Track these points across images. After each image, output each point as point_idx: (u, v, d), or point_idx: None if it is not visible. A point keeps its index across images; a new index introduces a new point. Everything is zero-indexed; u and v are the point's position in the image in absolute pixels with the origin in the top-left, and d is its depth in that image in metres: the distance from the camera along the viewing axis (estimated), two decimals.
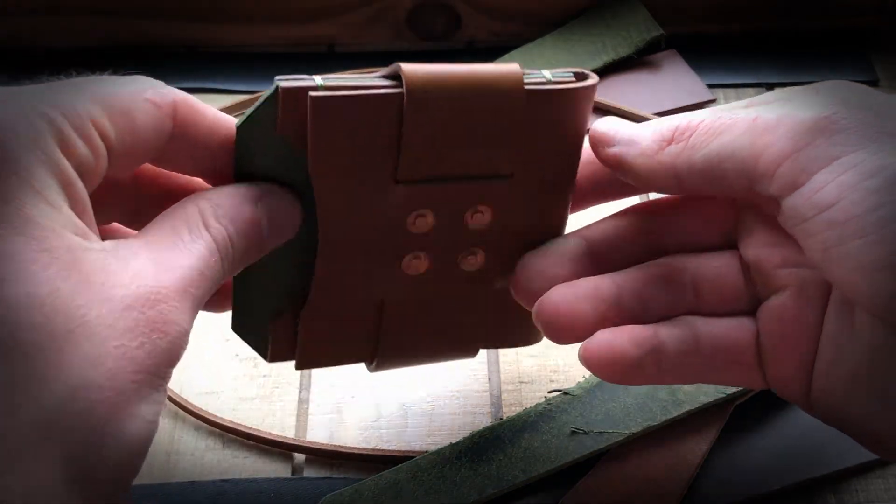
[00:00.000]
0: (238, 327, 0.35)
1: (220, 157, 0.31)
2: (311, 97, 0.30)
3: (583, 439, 0.39)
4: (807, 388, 0.32)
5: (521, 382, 0.43)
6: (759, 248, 0.34)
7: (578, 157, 0.35)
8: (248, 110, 0.31)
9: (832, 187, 0.27)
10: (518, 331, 0.39)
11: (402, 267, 0.35)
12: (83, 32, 0.58)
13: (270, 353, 0.36)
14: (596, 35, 0.58)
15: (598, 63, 0.56)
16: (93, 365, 0.24)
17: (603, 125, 0.34)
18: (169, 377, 0.27)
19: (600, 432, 0.39)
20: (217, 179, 0.32)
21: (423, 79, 0.31)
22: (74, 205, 0.26)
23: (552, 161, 0.34)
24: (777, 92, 0.33)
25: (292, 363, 0.36)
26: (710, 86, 0.56)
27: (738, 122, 0.30)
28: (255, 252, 0.31)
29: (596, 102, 0.55)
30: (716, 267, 0.35)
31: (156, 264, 0.27)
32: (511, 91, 0.32)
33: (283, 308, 0.35)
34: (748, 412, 0.40)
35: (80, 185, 0.27)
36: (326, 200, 0.32)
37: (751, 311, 0.34)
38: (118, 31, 0.58)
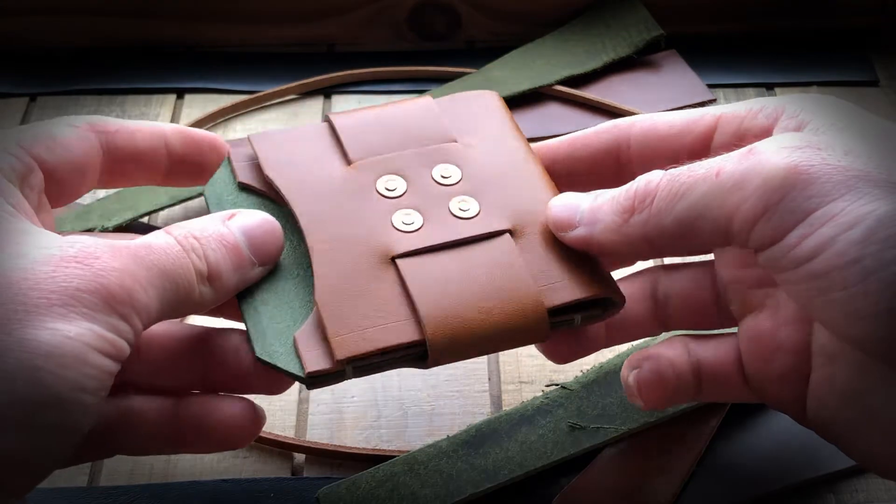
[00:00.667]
0: (264, 353, 0.32)
1: (162, 156, 0.36)
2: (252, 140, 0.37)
3: (580, 434, 0.39)
4: (799, 403, 0.32)
5: (521, 382, 0.43)
6: (733, 268, 0.34)
7: None
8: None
9: (811, 241, 0.27)
10: (572, 277, 0.34)
11: (395, 224, 0.35)
12: (83, 32, 0.58)
13: (306, 361, 0.32)
14: (596, 35, 0.58)
15: (598, 63, 0.56)
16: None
17: (557, 210, 0.34)
18: (108, 313, 0.28)
19: (597, 428, 0.39)
20: (171, 179, 0.37)
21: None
22: (6, 196, 0.30)
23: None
24: (740, 110, 0.33)
25: None
26: (710, 86, 0.56)
27: (699, 179, 0.30)
28: (245, 267, 0.33)
29: (596, 102, 0.55)
30: (688, 282, 0.36)
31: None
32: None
33: (301, 314, 0.33)
34: (747, 411, 0.40)
35: (5, 183, 0.31)
36: (298, 201, 0.35)
37: (723, 325, 0.35)
38: (118, 31, 0.58)
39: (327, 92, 0.57)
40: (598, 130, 0.36)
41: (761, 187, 0.28)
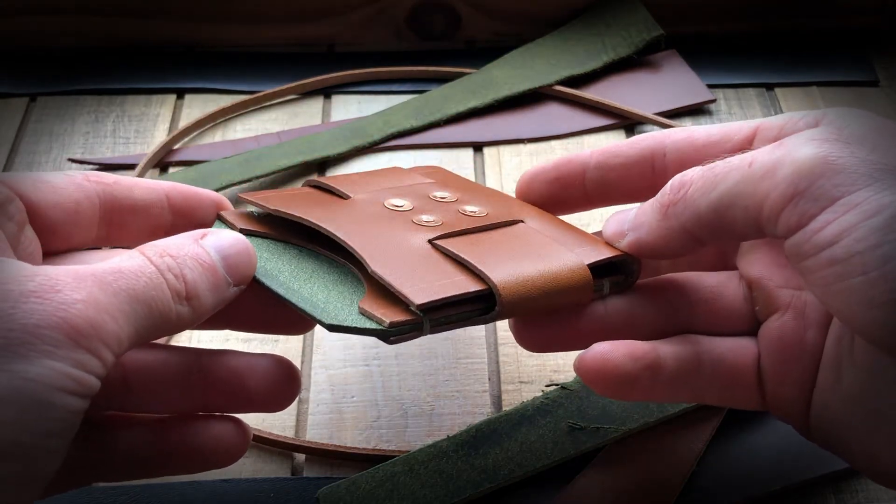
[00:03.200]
0: (335, 320, 0.32)
1: (163, 210, 0.36)
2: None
3: (579, 435, 0.39)
4: (805, 411, 0.33)
5: (521, 382, 0.43)
6: (761, 267, 0.35)
7: None
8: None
9: (834, 227, 0.28)
10: (590, 246, 0.35)
11: (416, 221, 0.36)
12: (83, 32, 0.58)
13: (382, 316, 0.32)
14: (596, 35, 0.58)
15: (598, 63, 0.56)
16: None
17: (609, 226, 0.35)
18: (72, 349, 0.27)
19: (597, 428, 0.39)
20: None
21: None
22: None
23: None
24: (779, 120, 0.33)
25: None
26: (710, 86, 0.56)
27: (734, 169, 0.30)
28: (221, 287, 0.32)
29: (596, 102, 0.55)
30: (712, 285, 0.36)
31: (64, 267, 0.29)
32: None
33: (354, 293, 0.34)
34: (747, 411, 0.40)
35: None
36: (315, 218, 0.36)
37: (747, 331, 0.35)
38: (118, 31, 0.58)
39: (327, 92, 0.57)
40: (633, 141, 0.37)
41: (791, 175, 0.29)
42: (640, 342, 0.33)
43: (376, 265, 0.33)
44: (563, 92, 0.55)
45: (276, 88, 0.56)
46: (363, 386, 0.43)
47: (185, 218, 0.36)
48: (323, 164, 0.52)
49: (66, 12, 0.57)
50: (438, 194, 0.38)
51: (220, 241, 0.33)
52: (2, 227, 0.31)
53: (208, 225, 0.36)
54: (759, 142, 0.34)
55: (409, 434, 0.41)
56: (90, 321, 0.27)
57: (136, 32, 0.58)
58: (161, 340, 0.39)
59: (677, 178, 0.32)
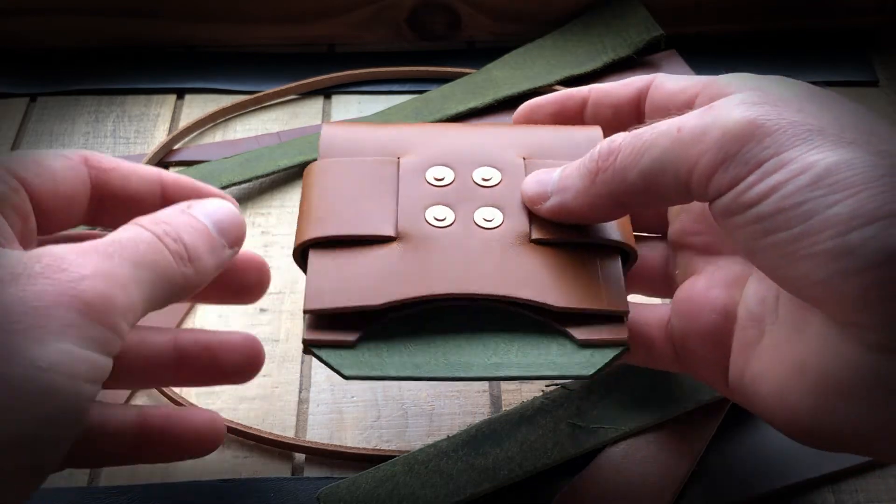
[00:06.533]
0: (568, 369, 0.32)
1: (154, 204, 0.34)
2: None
3: (579, 435, 0.39)
4: (722, 370, 0.33)
5: (522, 382, 0.43)
6: (683, 235, 0.37)
7: None
8: None
9: (762, 186, 0.28)
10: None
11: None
12: (83, 32, 0.58)
13: (615, 336, 0.32)
14: (596, 35, 0.58)
15: (598, 63, 0.56)
16: None
17: (529, 186, 0.35)
18: (87, 327, 0.27)
19: (597, 428, 0.39)
20: None
21: None
22: None
23: None
24: (725, 79, 0.34)
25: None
26: None
27: (662, 135, 0.31)
28: (217, 249, 0.33)
29: None
30: (642, 252, 0.37)
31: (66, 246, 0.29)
32: None
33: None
34: (748, 411, 0.40)
35: None
36: None
37: (669, 295, 0.37)
38: (118, 31, 0.58)
39: (327, 92, 0.57)
40: (627, 82, 0.38)
41: (720, 139, 0.29)
42: None
43: (551, 298, 0.33)
44: None
45: (276, 88, 0.56)
46: (363, 386, 0.43)
47: None
48: None
49: (67, 12, 0.57)
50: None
51: (206, 207, 0.33)
52: (9, 220, 0.30)
53: None
54: (701, 99, 0.35)
55: (409, 434, 0.41)
56: (101, 294, 0.27)
57: (136, 32, 0.58)
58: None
59: (605, 143, 0.33)
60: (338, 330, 0.32)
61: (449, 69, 0.57)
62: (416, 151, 0.37)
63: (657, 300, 0.42)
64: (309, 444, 0.40)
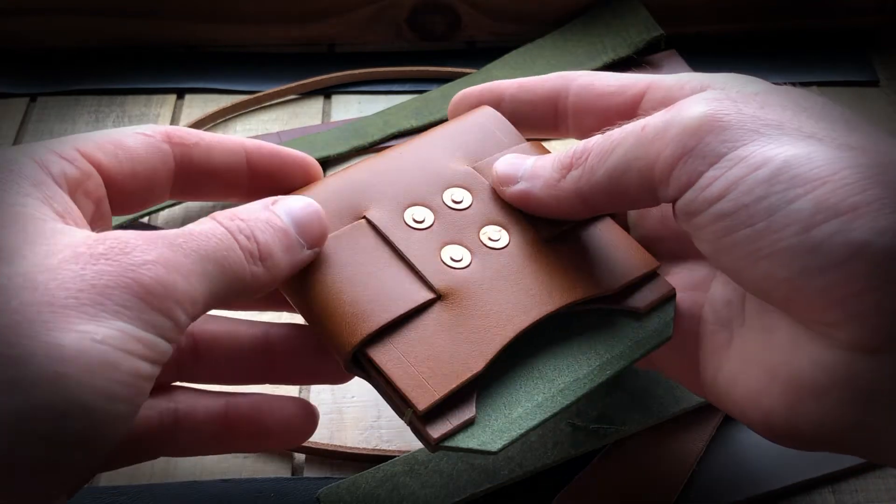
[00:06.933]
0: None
1: (241, 173, 0.34)
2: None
3: (579, 435, 0.39)
4: (693, 372, 0.33)
5: None
6: (644, 242, 0.36)
7: None
8: None
9: (721, 182, 0.28)
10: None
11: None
12: (83, 32, 0.58)
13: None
14: (596, 35, 0.58)
15: (598, 63, 0.56)
16: (26, 279, 0.25)
17: (501, 167, 0.35)
18: (143, 310, 0.26)
19: (597, 428, 0.39)
20: (255, 195, 0.34)
21: None
22: (49, 201, 0.29)
23: None
24: (668, 81, 0.34)
25: None
26: None
27: (629, 134, 0.31)
28: (294, 249, 0.32)
29: None
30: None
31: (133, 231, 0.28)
32: None
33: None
34: None
35: (54, 188, 0.29)
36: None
37: None
38: (118, 31, 0.58)
39: (327, 92, 0.57)
40: (543, 79, 0.38)
41: (679, 134, 0.29)
42: None
43: (604, 286, 0.34)
44: None
45: (276, 88, 0.56)
46: (363, 386, 0.43)
47: (265, 179, 0.35)
48: (323, 165, 0.52)
49: (66, 12, 0.57)
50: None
51: (290, 205, 0.32)
52: (80, 205, 0.30)
53: (294, 188, 0.35)
54: (646, 101, 0.35)
55: (409, 434, 0.41)
56: (161, 281, 0.27)
57: (136, 32, 0.58)
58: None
59: (581, 144, 0.33)
60: (450, 413, 0.31)
61: (449, 69, 0.57)
62: (374, 203, 0.35)
63: None
64: (309, 444, 0.40)
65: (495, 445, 0.30)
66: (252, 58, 0.59)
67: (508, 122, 0.38)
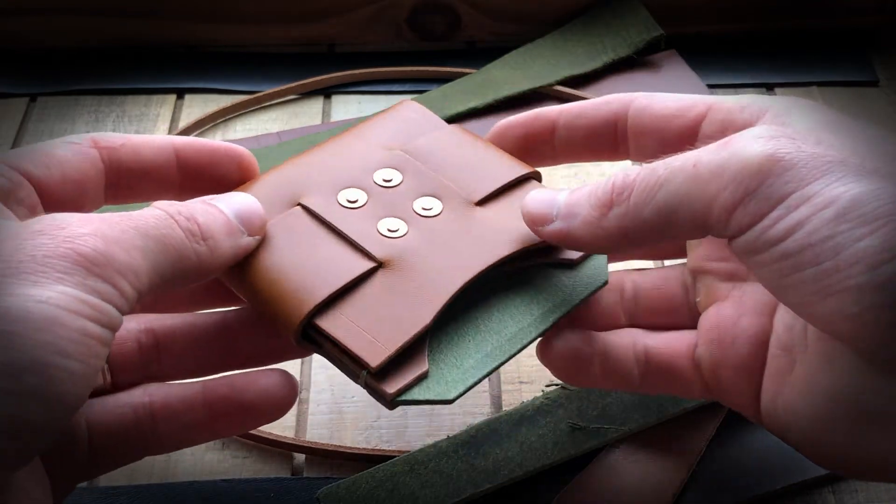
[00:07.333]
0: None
1: (171, 169, 0.35)
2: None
3: (580, 435, 0.39)
4: (754, 397, 0.33)
5: (521, 382, 0.43)
6: (704, 261, 0.36)
7: None
8: None
9: (786, 222, 0.28)
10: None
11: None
12: (83, 32, 0.58)
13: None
14: (596, 35, 0.58)
15: (598, 63, 0.56)
16: None
17: (532, 205, 0.34)
18: (84, 276, 0.27)
19: (597, 428, 0.39)
20: (187, 193, 0.35)
21: None
22: None
23: None
24: (728, 103, 0.34)
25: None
26: (710, 86, 0.56)
27: (677, 171, 0.30)
28: (235, 233, 0.33)
29: None
30: (655, 277, 0.37)
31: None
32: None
33: None
34: None
35: None
36: None
37: (689, 324, 0.36)
38: (118, 31, 0.58)
39: (327, 92, 0.57)
40: (599, 103, 0.37)
41: (739, 175, 0.29)
42: (572, 331, 0.35)
43: (534, 239, 0.35)
44: (563, 92, 0.55)
45: (276, 88, 0.56)
46: None
47: (197, 177, 0.36)
48: None
49: (66, 12, 0.57)
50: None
51: (228, 199, 0.33)
52: (14, 212, 0.31)
53: (225, 181, 0.36)
54: (707, 123, 0.34)
55: (409, 434, 0.41)
56: (99, 251, 0.27)
57: (136, 32, 0.58)
58: None
59: (619, 177, 0.32)
60: (404, 369, 0.32)
61: (449, 69, 0.57)
62: (307, 191, 0.36)
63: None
64: (309, 444, 0.40)
65: (450, 394, 0.31)
66: (252, 58, 0.59)
67: (428, 111, 0.40)
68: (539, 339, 0.34)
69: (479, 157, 0.38)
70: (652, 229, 0.31)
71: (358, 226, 0.35)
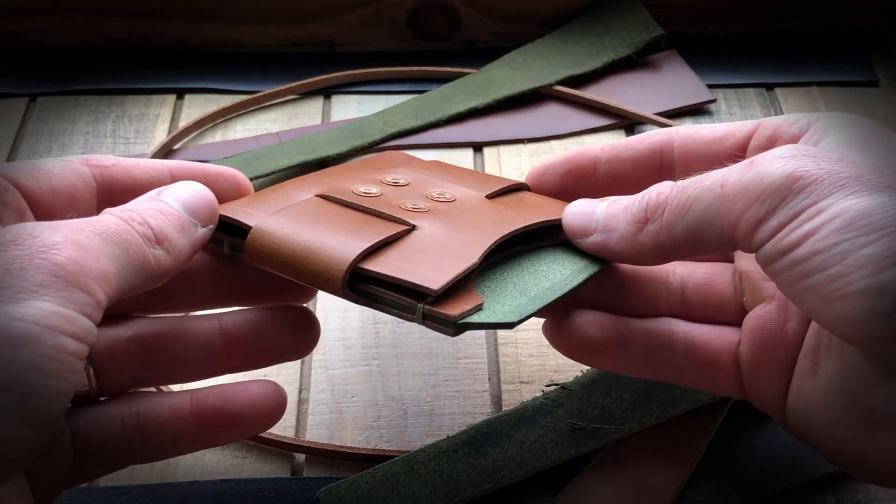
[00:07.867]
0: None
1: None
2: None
3: (580, 435, 0.39)
4: (782, 401, 0.34)
5: (521, 382, 0.43)
6: (750, 260, 0.36)
7: None
8: None
9: (798, 232, 0.29)
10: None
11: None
12: (83, 32, 0.58)
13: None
14: (596, 35, 0.58)
15: (598, 63, 0.56)
16: None
17: (572, 218, 0.36)
18: (60, 287, 0.27)
19: (597, 428, 0.39)
20: None
21: None
22: None
23: None
24: (776, 120, 0.35)
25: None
26: (710, 86, 0.56)
27: (706, 190, 0.32)
28: (188, 229, 0.33)
29: (596, 102, 0.55)
30: (705, 274, 0.37)
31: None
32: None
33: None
34: (747, 411, 0.40)
35: None
36: None
37: (736, 321, 0.36)
38: (118, 31, 0.58)
39: (327, 92, 0.57)
40: (644, 136, 0.39)
41: (762, 194, 0.30)
42: (607, 315, 0.35)
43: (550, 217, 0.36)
44: (563, 92, 0.55)
45: (276, 88, 0.56)
46: (363, 386, 0.43)
47: None
48: (323, 165, 0.52)
49: (66, 12, 0.57)
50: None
51: (175, 191, 0.34)
52: (1, 215, 0.31)
53: (222, 201, 0.36)
54: (756, 139, 0.36)
55: (409, 434, 0.41)
56: (73, 259, 0.28)
57: (136, 32, 0.58)
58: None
59: (653, 193, 0.34)
60: (459, 300, 0.32)
61: (449, 69, 0.57)
62: (321, 190, 0.37)
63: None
64: (309, 444, 0.40)
65: (514, 318, 0.32)
66: (252, 58, 0.59)
67: (415, 157, 0.43)
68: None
69: (475, 174, 0.41)
70: (684, 245, 0.33)
71: (382, 206, 0.36)
